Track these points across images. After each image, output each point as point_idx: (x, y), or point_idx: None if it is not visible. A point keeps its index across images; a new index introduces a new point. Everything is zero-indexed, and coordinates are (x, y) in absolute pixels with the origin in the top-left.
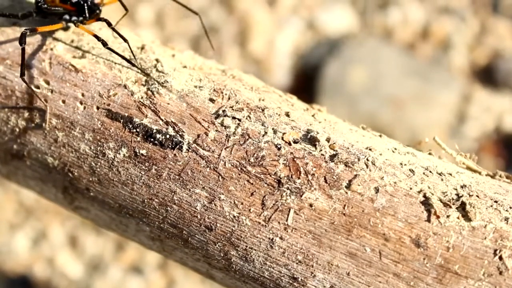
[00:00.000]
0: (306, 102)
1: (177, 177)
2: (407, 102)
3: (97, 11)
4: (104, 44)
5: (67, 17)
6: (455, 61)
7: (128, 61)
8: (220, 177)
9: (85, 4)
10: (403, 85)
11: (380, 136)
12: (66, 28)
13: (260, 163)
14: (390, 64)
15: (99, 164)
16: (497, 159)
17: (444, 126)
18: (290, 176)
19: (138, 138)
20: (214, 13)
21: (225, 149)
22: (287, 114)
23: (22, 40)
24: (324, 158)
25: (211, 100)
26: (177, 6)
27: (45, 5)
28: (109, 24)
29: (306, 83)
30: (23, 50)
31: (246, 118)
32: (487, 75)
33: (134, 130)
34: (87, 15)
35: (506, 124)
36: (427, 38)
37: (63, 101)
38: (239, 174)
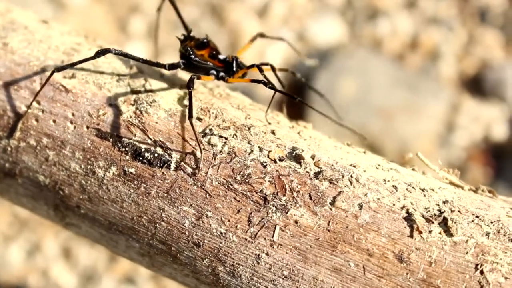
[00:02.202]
0: (296, 114)
1: (165, 195)
2: (396, 113)
3: (244, 69)
4: (266, 84)
5: (214, 72)
6: (444, 71)
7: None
8: (207, 194)
9: (233, 62)
10: (392, 96)
11: (365, 152)
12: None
13: (246, 180)
14: (379, 75)
15: (89, 182)
16: (486, 168)
17: (433, 136)
18: (275, 193)
19: (127, 157)
20: (205, 25)
21: (212, 167)
22: (273, 132)
23: (190, 84)
24: (309, 175)
25: (198, 119)
26: (169, 18)
27: (196, 59)
28: (266, 83)
29: (296, 94)
30: (190, 93)
31: (233, 137)
32: (475, 85)
33: (123, 149)
34: (234, 71)
35: (494, 133)
36: (416, 48)
37: (54, 121)
38: (226, 192)
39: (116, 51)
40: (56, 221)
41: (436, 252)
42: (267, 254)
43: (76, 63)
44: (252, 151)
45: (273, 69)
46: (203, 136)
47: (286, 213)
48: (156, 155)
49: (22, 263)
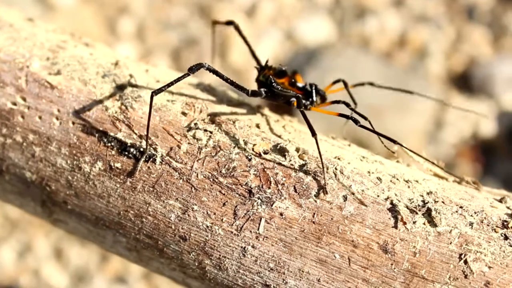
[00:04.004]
0: (285, 112)
1: (151, 189)
2: (385, 110)
3: (324, 96)
4: (356, 122)
5: (295, 100)
6: (432, 69)
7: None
8: (193, 188)
9: (312, 89)
10: (381, 94)
11: (349, 145)
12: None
13: (232, 174)
14: (368, 73)
15: (75, 177)
16: (475, 165)
17: (422, 133)
18: (260, 186)
19: (113, 152)
20: (194, 25)
21: (197, 161)
22: (258, 126)
23: (300, 104)
24: (294, 168)
25: (183, 113)
26: (158, 19)
27: (278, 87)
28: (354, 120)
29: None
30: (303, 113)
31: (218, 131)
32: (463, 82)
33: (109, 144)
34: (314, 99)
35: (482, 129)
36: (404, 46)
37: (40, 117)
38: (211, 185)
39: (209, 67)
40: (43, 217)
41: (420, 242)
42: (253, 246)
43: (171, 83)
44: (237, 144)
45: (345, 85)
46: (188, 130)
47: (271, 205)
48: (141, 149)
49: (13, 264)
